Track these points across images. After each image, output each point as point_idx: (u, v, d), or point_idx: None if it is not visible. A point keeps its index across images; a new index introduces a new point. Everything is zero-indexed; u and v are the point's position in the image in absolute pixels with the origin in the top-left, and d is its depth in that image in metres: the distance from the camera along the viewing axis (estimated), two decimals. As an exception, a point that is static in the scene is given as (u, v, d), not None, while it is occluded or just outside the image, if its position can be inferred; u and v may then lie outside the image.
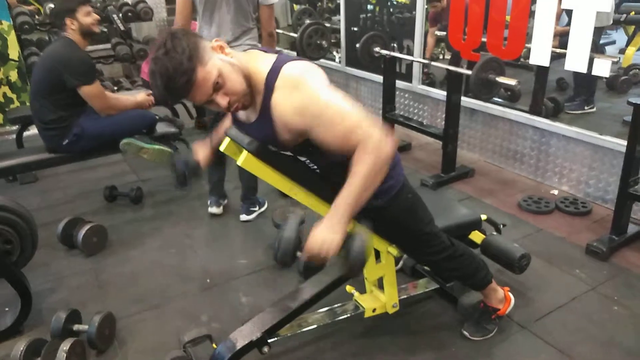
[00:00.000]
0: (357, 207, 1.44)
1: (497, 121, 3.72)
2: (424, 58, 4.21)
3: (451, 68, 3.40)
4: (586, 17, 2.69)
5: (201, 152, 1.91)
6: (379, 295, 2.08)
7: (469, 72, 3.18)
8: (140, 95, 3.24)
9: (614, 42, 5.48)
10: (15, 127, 4.07)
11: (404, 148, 4.12)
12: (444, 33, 4.49)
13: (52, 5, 5.05)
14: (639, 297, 2.33)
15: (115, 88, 4.91)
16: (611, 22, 4.22)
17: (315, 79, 1.44)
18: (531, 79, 4.08)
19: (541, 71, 3.95)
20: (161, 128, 3.37)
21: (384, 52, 3.84)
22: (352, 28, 4.89)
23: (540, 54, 3.01)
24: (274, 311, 1.92)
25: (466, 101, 3.74)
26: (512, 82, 3.05)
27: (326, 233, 1.43)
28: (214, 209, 3.14)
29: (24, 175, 3.70)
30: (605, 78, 4.24)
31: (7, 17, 4.58)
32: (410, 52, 4.32)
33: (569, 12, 2.82)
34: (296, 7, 6.45)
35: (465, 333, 2.10)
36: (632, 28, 4.98)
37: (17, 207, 2.31)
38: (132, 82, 5.31)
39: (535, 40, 3.00)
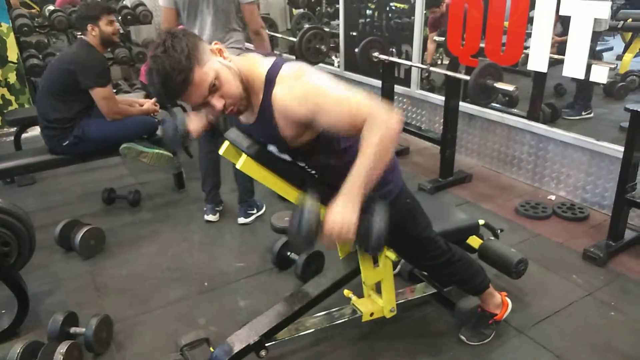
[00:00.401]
0: (369, 184, 1.40)
1: (495, 126, 3.74)
2: (424, 63, 4.23)
3: (450, 73, 3.41)
4: (584, 24, 2.70)
5: (195, 122, 1.90)
6: (376, 299, 2.08)
7: (467, 77, 3.20)
8: (147, 104, 3.27)
9: (611, 49, 5.50)
10: (13, 129, 4.07)
11: (401, 152, 4.13)
12: (443, 39, 4.51)
13: (51, 7, 5.06)
14: (636, 303, 2.34)
15: (114, 91, 4.91)
16: (607, 27, 4.24)
17: (315, 71, 1.47)
18: (529, 84, 4.09)
19: (539, 77, 3.96)
20: (160, 131, 3.37)
21: (383, 57, 3.85)
22: (351, 33, 4.90)
23: (538, 60, 3.02)
24: (272, 315, 1.92)
25: (464, 106, 3.76)
26: (510, 87, 3.06)
27: (344, 212, 1.39)
28: (210, 217, 3.14)
29: (22, 177, 3.70)
30: (603, 84, 4.26)
31: (6, 20, 4.59)
32: (409, 57, 4.34)
33: (564, 21, 2.84)
34: (295, 11, 6.47)
35: (463, 338, 2.11)
36: (629, 35, 5.01)
37: (15, 209, 2.31)
38: (130, 85, 5.32)
39: (533, 46, 3.02)
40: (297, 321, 2.01)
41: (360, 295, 2.13)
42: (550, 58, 3.01)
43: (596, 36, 4.26)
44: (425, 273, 2.34)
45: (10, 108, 4.74)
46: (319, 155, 1.60)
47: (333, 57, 5.22)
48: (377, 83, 4.21)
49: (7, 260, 2.22)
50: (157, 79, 1.36)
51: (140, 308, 2.39)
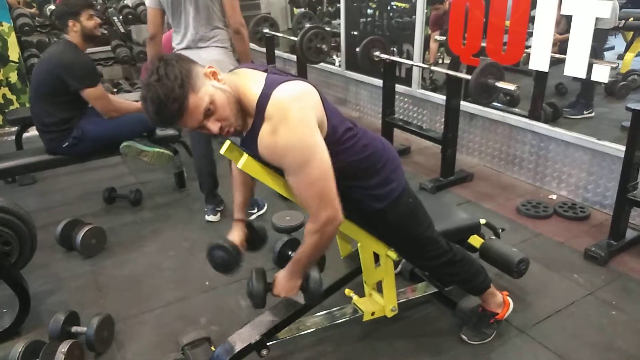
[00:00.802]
0: (308, 266, 1.69)
1: (496, 126, 3.73)
2: (427, 63, 4.22)
3: (451, 73, 3.40)
4: (585, 23, 2.70)
5: (235, 236, 1.86)
6: (377, 298, 2.08)
7: (469, 76, 3.19)
8: None
9: (612, 48, 5.50)
10: (14, 129, 4.07)
11: (403, 152, 4.12)
12: (444, 38, 4.50)
13: (52, 7, 5.06)
14: (637, 302, 2.34)
15: (115, 90, 4.92)
16: (613, 25, 4.23)
17: (304, 115, 1.43)
18: (530, 84, 4.09)
19: (540, 76, 3.96)
20: (161, 131, 3.37)
21: (384, 56, 3.84)
22: (352, 32, 4.90)
23: (539, 59, 3.02)
24: (273, 314, 1.92)
25: (465, 106, 3.75)
26: (511, 87, 3.05)
27: (287, 281, 1.71)
28: (211, 217, 3.14)
29: (23, 176, 3.70)
30: (604, 83, 4.26)
31: (7, 19, 4.59)
32: (410, 57, 4.33)
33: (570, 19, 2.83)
34: (296, 10, 6.47)
35: (464, 337, 2.11)
36: (630, 34, 5.01)
37: (16, 208, 2.31)
38: (131, 84, 5.32)
39: (534, 45, 3.02)
40: (298, 320, 2.01)
41: (361, 294, 2.14)
42: (552, 57, 3.01)
43: (602, 35, 4.27)
44: (427, 272, 2.34)
45: (11, 107, 4.75)
46: None
47: (334, 57, 5.22)
48: (378, 82, 4.21)
49: (9, 259, 2.22)
50: (151, 108, 1.38)
51: (142, 307, 2.40)
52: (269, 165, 1.60)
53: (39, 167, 3.21)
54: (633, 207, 2.70)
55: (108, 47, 5.51)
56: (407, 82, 4.37)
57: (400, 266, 2.47)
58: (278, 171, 1.62)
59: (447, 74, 3.44)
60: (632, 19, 4.38)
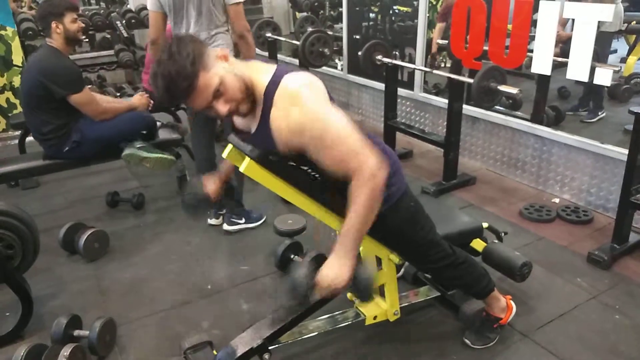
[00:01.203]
0: (360, 238, 1.50)
1: (499, 129, 3.73)
2: (427, 62, 4.22)
3: (453, 76, 3.41)
4: (588, 26, 2.70)
5: (210, 184, 1.93)
6: (380, 302, 2.08)
7: (471, 80, 3.20)
8: (135, 98, 3.24)
9: (615, 51, 5.50)
10: (17, 133, 4.08)
11: (405, 155, 4.12)
12: (446, 42, 4.50)
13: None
14: (641, 306, 2.33)
15: (118, 94, 4.93)
16: (619, 28, 4.23)
17: (313, 95, 1.45)
18: (533, 87, 4.09)
19: (543, 80, 3.96)
20: (163, 134, 3.38)
21: (386, 60, 3.85)
22: (354, 36, 4.91)
23: (541, 62, 3.02)
24: (275, 318, 1.92)
25: (468, 109, 3.75)
26: (513, 90, 3.05)
27: (336, 269, 1.49)
28: (212, 221, 3.14)
29: (26, 180, 3.71)
30: (607, 87, 4.25)
31: (11, 24, 4.61)
32: (412, 60, 4.34)
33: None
34: (298, 14, 6.49)
35: (467, 341, 2.10)
36: (633, 37, 5.01)
37: (19, 212, 2.31)
38: (134, 88, 5.33)
39: (536, 49, 3.02)
40: (301, 324, 2.00)
41: (363, 298, 2.13)
42: (554, 61, 3.01)
43: (607, 39, 4.27)
44: (429, 276, 2.34)
45: (14, 111, 4.76)
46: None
47: (336, 60, 5.23)
48: (380, 86, 4.21)
49: (11, 263, 2.22)
50: (161, 84, 1.37)
51: (144, 311, 2.40)
52: (284, 160, 1.58)
53: (42, 171, 3.21)
54: (636, 211, 2.69)
55: (111, 52, 5.53)
56: (409, 85, 4.37)
57: (402, 270, 2.47)
58: (297, 162, 1.57)
59: (449, 77, 3.44)
60: (634, 22, 4.39)
